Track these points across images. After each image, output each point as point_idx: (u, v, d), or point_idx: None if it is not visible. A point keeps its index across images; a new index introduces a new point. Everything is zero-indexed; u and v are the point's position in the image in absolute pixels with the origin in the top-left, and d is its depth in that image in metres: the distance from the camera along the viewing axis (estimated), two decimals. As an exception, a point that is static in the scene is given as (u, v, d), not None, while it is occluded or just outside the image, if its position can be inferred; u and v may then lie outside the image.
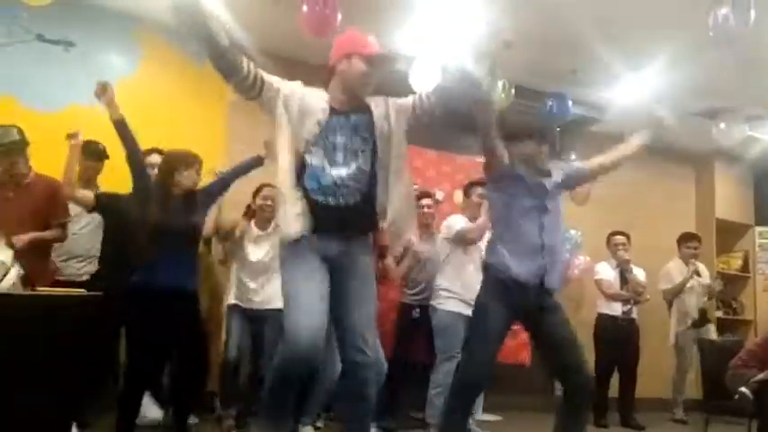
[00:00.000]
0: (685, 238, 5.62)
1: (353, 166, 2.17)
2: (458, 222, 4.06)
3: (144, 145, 3.77)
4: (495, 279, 2.75)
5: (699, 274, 5.43)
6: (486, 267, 2.84)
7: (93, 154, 3.84)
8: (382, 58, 2.28)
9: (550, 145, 2.99)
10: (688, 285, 5.35)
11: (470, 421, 4.08)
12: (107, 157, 3.89)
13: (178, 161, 3.16)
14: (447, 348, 3.85)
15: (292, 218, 2.12)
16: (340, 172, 2.15)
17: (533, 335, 2.86)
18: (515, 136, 2.88)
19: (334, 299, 2.16)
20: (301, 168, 2.16)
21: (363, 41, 2.30)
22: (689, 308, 5.34)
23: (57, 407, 1.79)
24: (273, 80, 2.25)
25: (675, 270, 5.49)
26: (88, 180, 3.88)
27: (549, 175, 2.89)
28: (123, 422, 2.90)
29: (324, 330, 2.08)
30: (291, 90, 2.24)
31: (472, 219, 4.08)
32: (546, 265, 2.72)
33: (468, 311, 3.68)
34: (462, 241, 4.01)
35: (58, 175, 3.53)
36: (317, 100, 2.24)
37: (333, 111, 2.23)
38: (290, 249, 2.15)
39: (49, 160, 3.78)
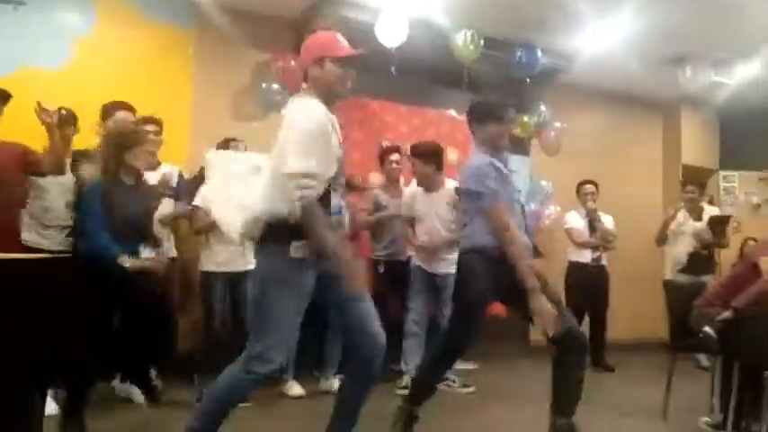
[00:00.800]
0: (684, 183, 5.50)
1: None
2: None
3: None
4: (486, 261, 2.69)
5: (700, 219, 5.25)
6: (479, 250, 2.73)
7: (64, 121, 3.68)
8: (354, 59, 2.21)
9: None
10: (680, 230, 5.25)
11: None
12: (76, 122, 3.73)
13: (125, 139, 2.97)
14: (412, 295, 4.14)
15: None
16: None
17: (519, 308, 2.72)
18: (483, 118, 2.84)
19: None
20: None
21: (332, 42, 2.23)
22: (677, 254, 5.27)
23: (29, 376, 1.77)
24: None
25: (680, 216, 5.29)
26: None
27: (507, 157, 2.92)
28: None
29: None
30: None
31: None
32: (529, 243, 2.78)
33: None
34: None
35: (5, 138, 3.37)
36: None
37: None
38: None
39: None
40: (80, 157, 3.31)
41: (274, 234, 2.13)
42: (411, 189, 4.26)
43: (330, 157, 2.12)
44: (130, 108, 3.54)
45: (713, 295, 3.33)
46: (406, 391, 3.85)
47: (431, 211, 4.07)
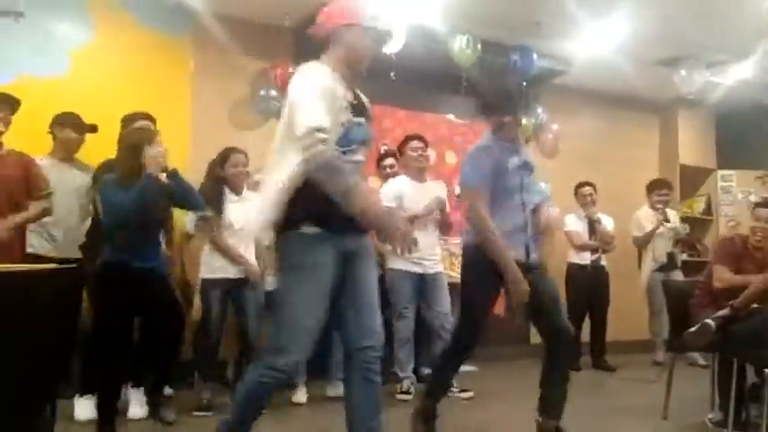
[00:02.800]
0: (654, 186, 5.72)
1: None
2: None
3: (108, 116, 3.70)
4: (483, 259, 2.66)
5: (668, 221, 5.55)
6: (474, 247, 2.71)
7: (81, 127, 3.69)
8: (387, 34, 2.15)
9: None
10: (657, 231, 5.46)
11: None
12: (90, 130, 3.73)
13: (141, 138, 2.99)
14: (396, 305, 4.02)
15: None
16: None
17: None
18: (493, 107, 2.82)
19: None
20: None
21: (369, 12, 2.12)
22: (658, 253, 5.46)
23: (34, 386, 1.79)
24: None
25: (645, 218, 5.58)
26: (72, 152, 3.74)
27: (519, 147, 2.84)
28: (103, 402, 2.91)
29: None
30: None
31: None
32: (530, 241, 2.73)
33: (416, 268, 3.97)
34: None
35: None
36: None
37: (350, 103, 2.08)
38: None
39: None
40: (106, 169, 3.33)
41: (287, 217, 1.99)
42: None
43: (336, 120, 1.98)
44: (150, 117, 3.56)
45: (702, 292, 3.40)
46: (406, 396, 3.89)
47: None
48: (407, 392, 3.94)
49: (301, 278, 1.99)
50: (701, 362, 4.96)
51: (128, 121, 3.54)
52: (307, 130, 1.89)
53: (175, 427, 3.25)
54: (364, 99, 2.20)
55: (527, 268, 2.68)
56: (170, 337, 3.19)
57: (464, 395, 4.03)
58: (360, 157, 2.10)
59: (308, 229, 1.99)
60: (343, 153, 2.01)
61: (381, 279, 4.17)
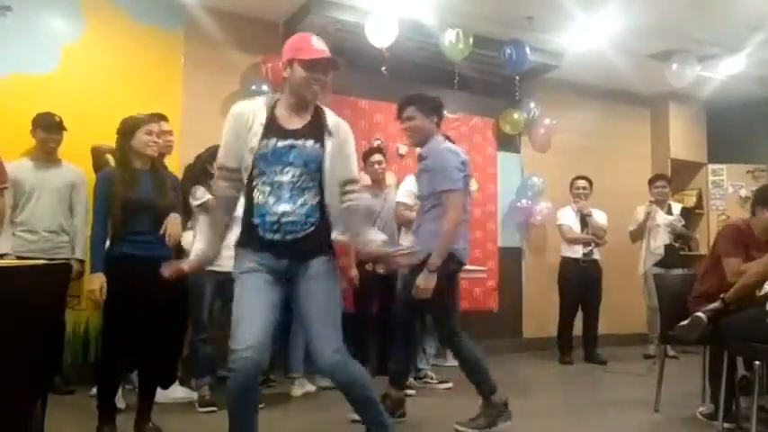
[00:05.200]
0: (653, 179, 5.69)
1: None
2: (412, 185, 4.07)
3: (98, 111, 3.68)
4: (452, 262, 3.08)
5: (671, 213, 5.52)
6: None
7: (51, 127, 3.74)
8: (324, 62, 2.22)
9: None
10: (655, 224, 5.44)
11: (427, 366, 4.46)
12: (65, 129, 3.78)
13: (125, 125, 2.96)
14: None
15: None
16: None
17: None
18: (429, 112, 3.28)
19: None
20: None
21: (302, 45, 2.26)
22: (655, 247, 5.46)
23: (29, 379, 1.79)
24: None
25: (641, 211, 5.56)
26: (49, 153, 3.78)
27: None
28: (103, 393, 2.89)
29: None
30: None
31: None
32: None
33: None
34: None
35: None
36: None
37: (277, 129, 2.19)
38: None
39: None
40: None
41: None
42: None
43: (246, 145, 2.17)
44: (164, 118, 3.60)
45: (700, 288, 3.34)
46: (409, 391, 3.90)
47: None
48: (410, 387, 3.95)
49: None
50: (671, 352, 5.06)
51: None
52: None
53: (188, 425, 3.25)
54: (328, 120, 2.27)
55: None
56: (173, 334, 3.16)
57: (443, 386, 4.18)
58: (285, 177, 2.16)
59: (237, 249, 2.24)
60: (264, 173, 2.17)
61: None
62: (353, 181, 2.31)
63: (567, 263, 5.42)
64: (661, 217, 5.48)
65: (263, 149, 2.14)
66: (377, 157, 4.44)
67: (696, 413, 3.36)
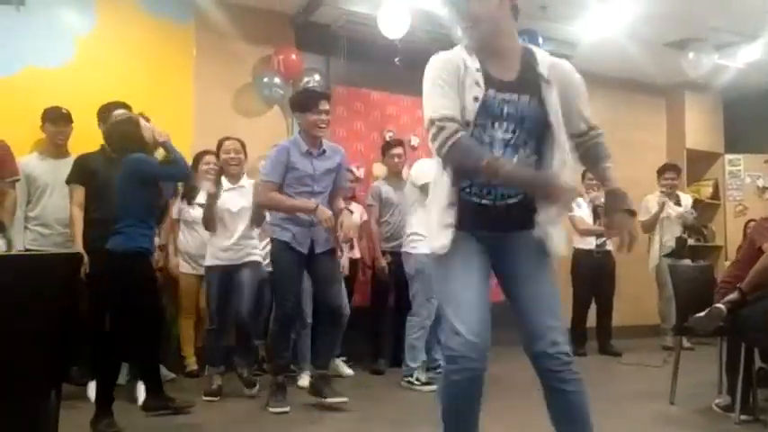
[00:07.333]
0: (663, 170, 5.67)
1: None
2: (427, 167, 4.03)
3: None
4: None
5: (679, 204, 5.49)
6: None
7: (59, 119, 3.77)
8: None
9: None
10: (664, 215, 5.41)
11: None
12: (72, 121, 3.82)
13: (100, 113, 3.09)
14: (426, 291, 3.87)
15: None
16: None
17: None
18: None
19: None
20: None
21: None
22: (665, 238, 5.43)
23: (42, 370, 1.80)
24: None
25: (653, 202, 5.54)
26: (59, 145, 3.81)
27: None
28: (100, 382, 2.91)
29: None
30: None
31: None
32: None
33: None
34: None
35: (11, 140, 3.54)
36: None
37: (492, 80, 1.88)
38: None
39: (4, 125, 3.70)
40: None
41: None
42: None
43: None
44: (126, 105, 3.54)
45: (730, 282, 3.27)
46: (418, 384, 3.88)
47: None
48: (419, 381, 3.92)
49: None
50: (686, 344, 4.95)
51: (104, 112, 3.57)
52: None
53: (186, 418, 3.27)
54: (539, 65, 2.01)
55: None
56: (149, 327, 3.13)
57: (427, 389, 3.81)
58: (498, 133, 1.92)
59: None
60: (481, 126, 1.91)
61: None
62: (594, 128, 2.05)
63: (579, 254, 5.38)
64: (673, 209, 5.43)
65: (486, 100, 1.87)
66: (398, 150, 4.53)
67: (712, 405, 3.33)
